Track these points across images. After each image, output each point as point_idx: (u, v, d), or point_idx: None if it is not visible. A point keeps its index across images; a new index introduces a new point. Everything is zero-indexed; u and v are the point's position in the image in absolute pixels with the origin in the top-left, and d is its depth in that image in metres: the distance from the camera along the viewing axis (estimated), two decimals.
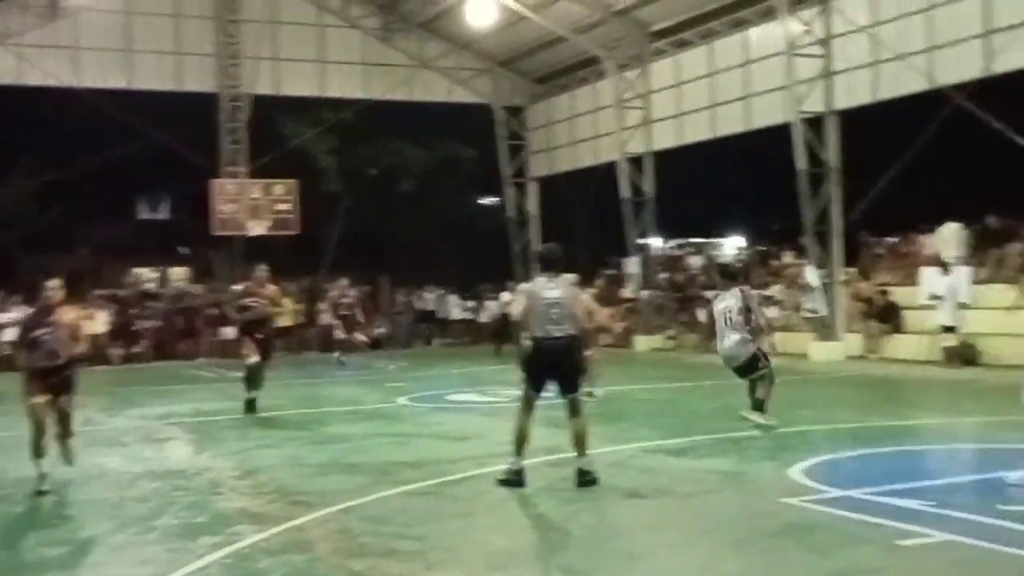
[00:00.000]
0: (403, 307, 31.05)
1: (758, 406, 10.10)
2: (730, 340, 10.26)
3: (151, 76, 27.35)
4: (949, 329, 18.12)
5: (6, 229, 31.96)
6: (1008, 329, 17.30)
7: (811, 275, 20.66)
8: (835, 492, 7.73)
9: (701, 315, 24.33)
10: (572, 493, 8.01)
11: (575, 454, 8.27)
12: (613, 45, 25.82)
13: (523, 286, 9.30)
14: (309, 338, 27.67)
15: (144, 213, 44.24)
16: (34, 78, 26.10)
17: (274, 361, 14.32)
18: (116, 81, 27.02)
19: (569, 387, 8.37)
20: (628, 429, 11.54)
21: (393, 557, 6.36)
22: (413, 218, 35.38)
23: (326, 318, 24.35)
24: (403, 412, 14.19)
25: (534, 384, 8.34)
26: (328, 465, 9.78)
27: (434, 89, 30.01)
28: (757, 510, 7.32)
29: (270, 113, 29.43)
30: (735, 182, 35.29)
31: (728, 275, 12.91)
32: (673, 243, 36.84)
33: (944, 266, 18.99)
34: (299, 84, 28.77)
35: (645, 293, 26.49)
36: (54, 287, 8.88)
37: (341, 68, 29.01)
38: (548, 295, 8.33)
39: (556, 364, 8.31)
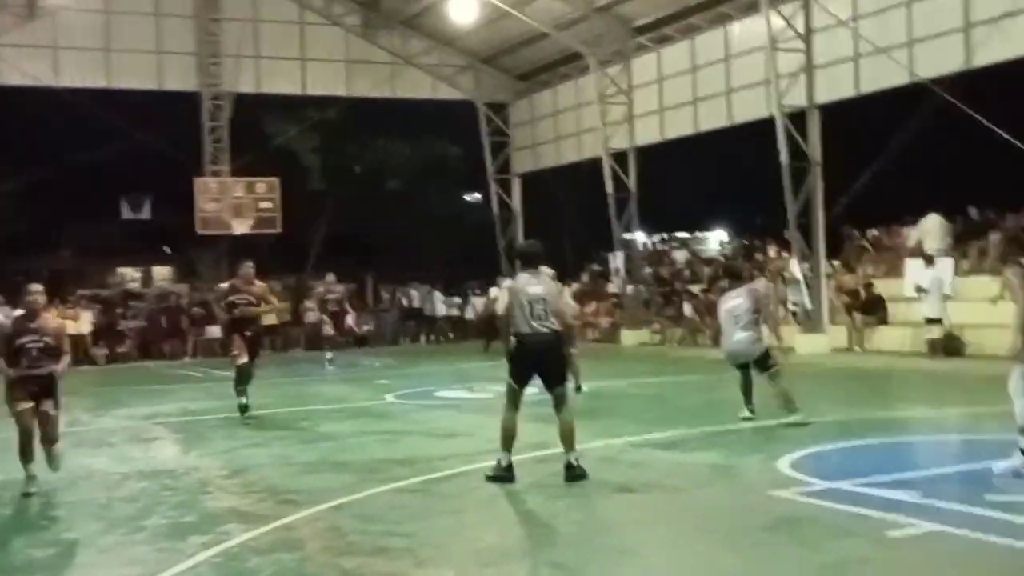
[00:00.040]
0: (389, 304, 31.03)
1: (789, 407, 10.45)
2: (738, 338, 10.35)
3: (132, 76, 27.15)
4: (934, 321, 18.24)
5: None
6: (991, 320, 17.37)
7: (796, 268, 20.75)
8: (823, 484, 7.75)
9: (687, 309, 24.46)
10: (561, 488, 8.01)
11: (563, 449, 8.27)
12: (595, 41, 25.82)
13: (506, 283, 9.32)
14: (295, 336, 27.64)
15: (127, 213, 43.99)
16: (13, 78, 25.84)
17: (261, 359, 14.24)
18: (96, 81, 26.84)
19: (555, 382, 8.39)
20: (616, 424, 11.54)
21: (383, 555, 6.35)
22: (398, 215, 35.35)
23: (312, 316, 24.29)
24: (391, 409, 14.17)
25: (519, 379, 8.36)
26: (317, 463, 9.76)
27: (417, 86, 29.91)
28: (746, 503, 7.35)
29: (254, 112, 29.32)
30: (719, 177, 35.41)
31: (734, 275, 13.01)
32: (657, 238, 36.98)
33: (928, 258, 19.12)
34: (281, 82, 28.64)
35: (630, 288, 26.56)
36: (37, 292, 8.79)
37: (323, 66, 28.89)
38: (532, 291, 8.35)
39: (541, 359, 8.33)
